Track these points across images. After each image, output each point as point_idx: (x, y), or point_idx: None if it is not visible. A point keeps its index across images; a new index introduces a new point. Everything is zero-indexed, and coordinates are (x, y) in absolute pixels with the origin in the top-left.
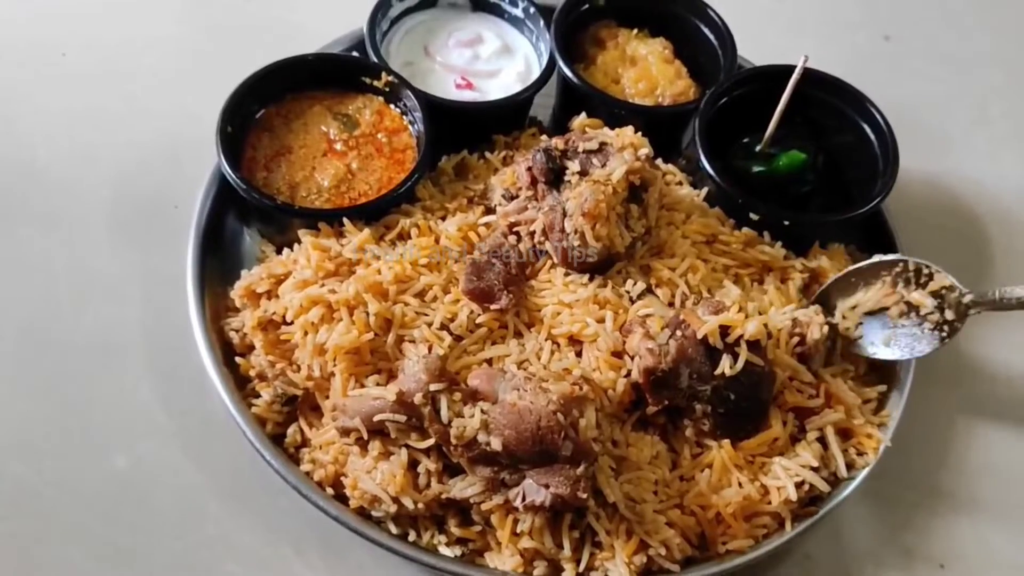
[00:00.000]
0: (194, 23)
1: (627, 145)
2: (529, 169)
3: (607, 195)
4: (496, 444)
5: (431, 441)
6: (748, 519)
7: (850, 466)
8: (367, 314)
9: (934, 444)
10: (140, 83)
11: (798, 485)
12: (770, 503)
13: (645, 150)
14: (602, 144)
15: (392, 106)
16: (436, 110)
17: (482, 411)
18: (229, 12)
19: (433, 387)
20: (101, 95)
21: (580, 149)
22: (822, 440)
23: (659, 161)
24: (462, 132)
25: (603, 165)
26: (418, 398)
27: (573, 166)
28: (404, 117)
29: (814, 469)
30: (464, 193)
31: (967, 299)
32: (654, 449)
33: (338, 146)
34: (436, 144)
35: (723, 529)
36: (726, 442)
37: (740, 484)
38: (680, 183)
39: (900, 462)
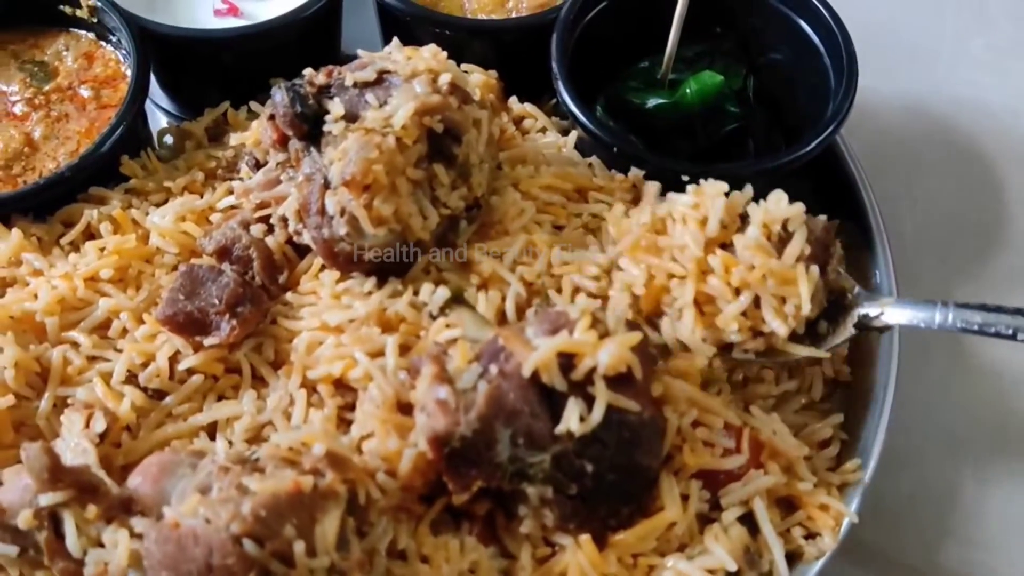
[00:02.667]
0: None
1: (421, 72)
2: (272, 119)
3: (386, 150)
4: None
5: None
6: None
7: (795, 558)
8: (4, 367)
9: (929, 501)
10: None
11: None
12: None
13: (448, 76)
14: (382, 73)
15: (106, 45)
16: (179, 46)
17: (133, 534)
18: None
19: (45, 499)
20: None
21: (348, 83)
22: (748, 519)
23: (513, 101)
24: (230, 79)
25: (383, 105)
26: (23, 518)
27: (336, 108)
28: (124, 60)
29: (733, 575)
30: (204, 164)
31: None
32: (468, 559)
33: (17, 108)
34: (197, 100)
35: None
36: (586, 538)
37: None
38: (544, 130)
39: (878, 535)
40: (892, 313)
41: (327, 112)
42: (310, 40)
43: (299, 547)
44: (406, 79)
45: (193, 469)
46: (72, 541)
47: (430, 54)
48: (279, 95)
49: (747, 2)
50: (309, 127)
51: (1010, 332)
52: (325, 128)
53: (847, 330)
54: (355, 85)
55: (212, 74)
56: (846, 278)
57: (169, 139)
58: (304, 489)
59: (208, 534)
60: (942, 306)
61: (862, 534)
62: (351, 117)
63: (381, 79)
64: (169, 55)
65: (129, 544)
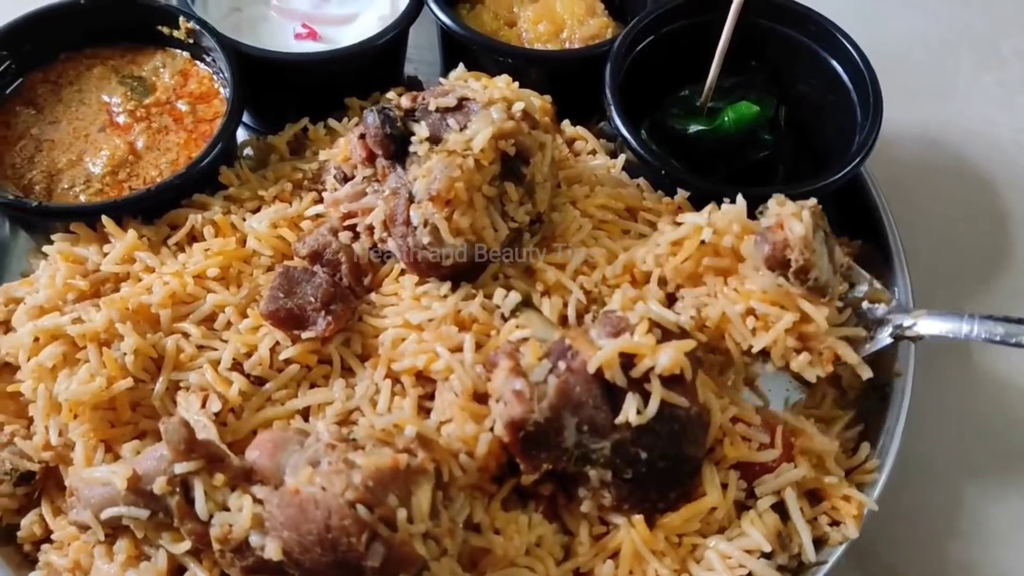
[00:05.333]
0: None
1: (497, 100)
2: (362, 138)
3: (467, 170)
4: (273, 551)
5: (187, 544)
6: None
7: (821, 543)
8: (125, 353)
9: (942, 498)
10: None
11: None
12: None
13: (521, 104)
14: (462, 100)
15: (200, 64)
16: (262, 67)
17: (255, 500)
18: None
19: (180, 468)
20: None
21: (432, 108)
22: (781, 507)
23: (565, 124)
24: (306, 96)
25: (463, 128)
26: (159, 484)
27: (421, 131)
28: (216, 78)
29: (767, 555)
30: (291, 175)
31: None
32: (535, 533)
33: (121, 118)
34: (274, 115)
35: None
36: (639, 518)
37: None
38: (593, 152)
39: (894, 528)
40: (924, 324)
41: (412, 134)
42: (381, 64)
43: (402, 514)
44: (484, 106)
45: (301, 446)
46: (200, 505)
47: (504, 83)
48: (371, 117)
49: (780, 38)
50: (396, 147)
51: None
52: (410, 148)
53: (884, 339)
54: (437, 110)
55: (291, 92)
56: (883, 291)
57: (250, 151)
58: (401, 466)
59: (327, 499)
60: (968, 318)
61: (877, 528)
62: (434, 139)
63: (461, 105)
64: (253, 74)
65: (251, 508)
